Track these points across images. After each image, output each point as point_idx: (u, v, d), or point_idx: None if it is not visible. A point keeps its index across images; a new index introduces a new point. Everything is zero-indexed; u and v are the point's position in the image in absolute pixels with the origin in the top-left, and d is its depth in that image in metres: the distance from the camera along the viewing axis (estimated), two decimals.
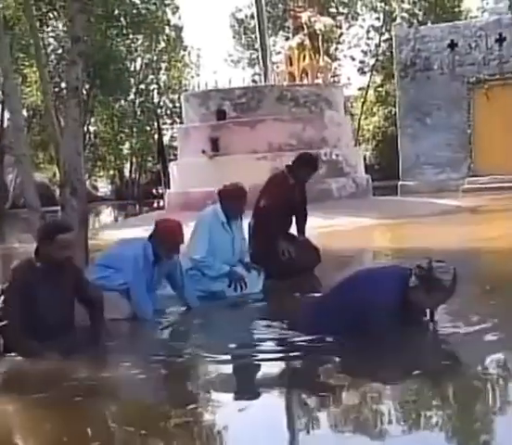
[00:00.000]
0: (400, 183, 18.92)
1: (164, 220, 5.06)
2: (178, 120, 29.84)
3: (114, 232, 12.45)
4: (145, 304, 4.77)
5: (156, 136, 27.10)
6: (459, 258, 5.93)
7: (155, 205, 23.48)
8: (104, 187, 35.94)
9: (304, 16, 15.97)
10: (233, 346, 4.16)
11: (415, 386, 3.33)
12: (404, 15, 31.08)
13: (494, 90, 17.78)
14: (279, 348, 4.02)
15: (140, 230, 11.75)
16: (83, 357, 3.88)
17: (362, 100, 32.33)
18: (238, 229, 5.77)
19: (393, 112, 24.51)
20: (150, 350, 4.10)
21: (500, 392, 3.23)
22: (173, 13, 32.69)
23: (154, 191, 31.22)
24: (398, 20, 27.29)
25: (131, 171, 34.31)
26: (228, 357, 3.95)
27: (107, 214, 24.34)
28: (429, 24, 24.55)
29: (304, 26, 15.63)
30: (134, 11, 29.64)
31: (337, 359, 3.78)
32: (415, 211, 12.17)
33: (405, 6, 31.75)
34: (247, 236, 6.06)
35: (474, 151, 18.14)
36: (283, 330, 4.25)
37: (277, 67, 16.57)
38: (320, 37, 16.00)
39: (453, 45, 18.22)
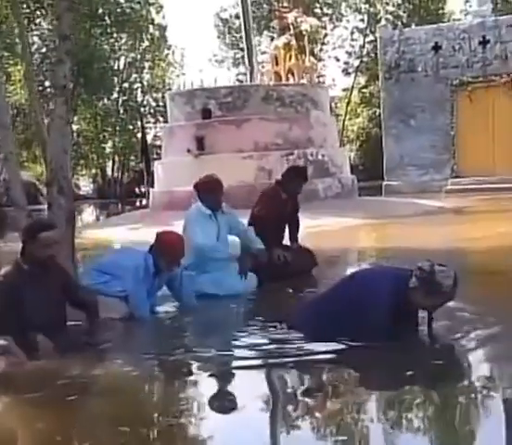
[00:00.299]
0: (384, 183, 19.03)
1: (165, 232, 4.97)
2: (161, 119, 29.76)
3: (96, 231, 12.40)
4: (144, 310, 4.75)
5: (139, 135, 27.06)
6: (443, 257, 5.95)
7: (137, 204, 23.43)
8: (86, 186, 35.70)
9: (291, 16, 16.00)
10: (224, 347, 4.13)
11: (408, 395, 3.28)
12: (389, 17, 31.19)
13: (477, 92, 17.91)
14: (272, 349, 3.96)
15: (123, 229, 11.74)
16: (76, 355, 3.86)
17: (346, 101, 32.42)
18: (224, 220, 5.78)
19: (377, 113, 24.66)
20: (144, 349, 4.09)
21: (486, 398, 3.23)
22: (157, 12, 32.59)
23: (136, 190, 31.16)
24: (382, 22, 27.41)
25: (113, 170, 34.10)
26: (219, 359, 3.90)
27: (89, 213, 24.20)
28: (414, 26, 24.71)
29: (291, 26, 15.66)
30: (119, 10, 29.55)
31: (331, 361, 3.74)
32: (399, 212, 12.26)
33: (390, 8, 31.87)
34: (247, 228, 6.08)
35: (457, 153, 18.29)
36: (278, 330, 4.23)
37: (263, 66, 16.58)
38: (306, 38, 16.03)
39: (437, 48, 18.35)
